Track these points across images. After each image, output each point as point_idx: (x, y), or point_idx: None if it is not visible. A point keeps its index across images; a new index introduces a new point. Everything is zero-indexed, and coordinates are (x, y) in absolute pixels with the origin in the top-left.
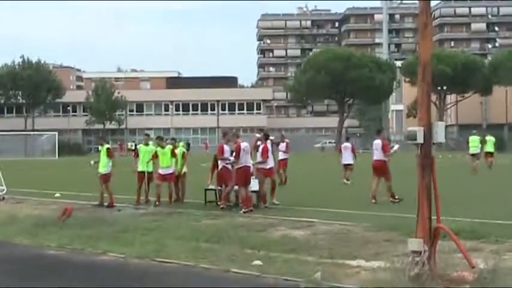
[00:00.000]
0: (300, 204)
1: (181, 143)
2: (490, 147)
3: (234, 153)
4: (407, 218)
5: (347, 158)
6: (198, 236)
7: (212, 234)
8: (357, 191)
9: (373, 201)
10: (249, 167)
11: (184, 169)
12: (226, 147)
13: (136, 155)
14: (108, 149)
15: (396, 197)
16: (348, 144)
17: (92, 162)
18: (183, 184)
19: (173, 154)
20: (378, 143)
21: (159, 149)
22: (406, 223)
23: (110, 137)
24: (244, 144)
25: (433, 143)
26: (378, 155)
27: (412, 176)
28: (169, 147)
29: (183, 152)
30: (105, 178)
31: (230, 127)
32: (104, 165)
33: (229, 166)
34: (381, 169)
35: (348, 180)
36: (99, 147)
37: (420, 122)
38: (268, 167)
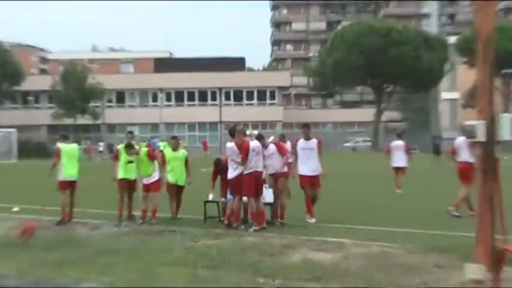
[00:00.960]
0: (325, 220)
1: (162, 143)
2: None
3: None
4: (465, 237)
5: (399, 159)
6: (196, 261)
7: (214, 259)
8: (399, 201)
9: (472, 212)
10: (261, 172)
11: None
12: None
13: (116, 158)
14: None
15: (472, 211)
16: (399, 143)
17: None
18: (178, 196)
19: (150, 156)
20: (461, 141)
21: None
22: (462, 243)
23: (82, 134)
24: (254, 144)
25: (498, 141)
26: (464, 155)
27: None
28: (143, 148)
29: (186, 157)
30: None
31: (236, 122)
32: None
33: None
34: (468, 173)
35: (399, 188)
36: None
37: (480, 115)
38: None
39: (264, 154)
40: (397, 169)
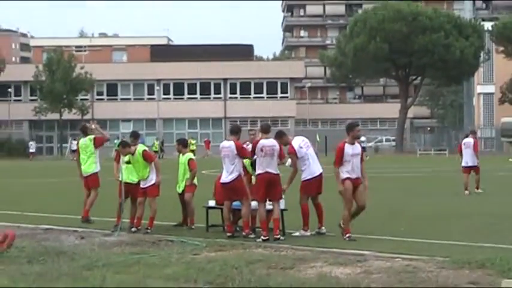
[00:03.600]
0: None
1: (156, 142)
2: None
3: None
4: (502, 249)
5: (470, 158)
6: (197, 276)
7: (217, 273)
8: (428, 207)
9: None
10: (274, 174)
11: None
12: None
13: (119, 159)
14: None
15: None
16: (470, 140)
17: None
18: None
19: (146, 157)
20: None
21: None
22: (500, 257)
23: (70, 131)
24: (265, 142)
25: None
26: None
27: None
28: (138, 148)
29: (189, 159)
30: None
31: (242, 118)
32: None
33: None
34: None
35: (478, 188)
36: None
37: None
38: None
39: (281, 154)
40: (470, 168)
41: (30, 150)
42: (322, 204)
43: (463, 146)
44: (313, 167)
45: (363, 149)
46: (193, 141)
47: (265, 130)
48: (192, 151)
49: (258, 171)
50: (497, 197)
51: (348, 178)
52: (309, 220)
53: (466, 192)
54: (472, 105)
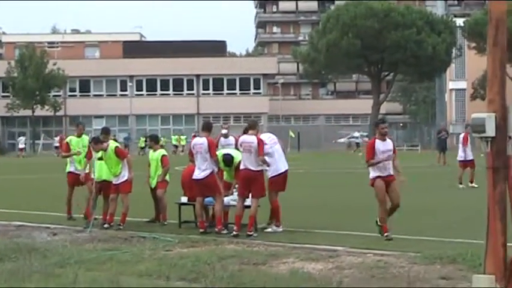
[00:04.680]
0: (317, 226)
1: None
2: None
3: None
4: (473, 245)
5: (470, 152)
6: (170, 272)
7: (189, 269)
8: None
9: None
10: (250, 170)
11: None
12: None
13: (90, 155)
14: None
15: None
16: (462, 135)
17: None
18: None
19: (119, 154)
20: None
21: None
22: (471, 252)
23: (42, 128)
24: (245, 138)
25: (509, 137)
26: None
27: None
28: (111, 145)
29: (162, 156)
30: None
31: (215, 114)
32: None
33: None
34: None
35: (472, 182)
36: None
37: (491, 106)
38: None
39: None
40: (468, 162)
41: (20, 146)
42: (279, 203)
43: (462, 139)
44: (278, 164)
45: (357, 144)
46: (182, 137)
47: (251, 126)
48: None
49: (240, 167)
50: (470, 192)
51: (378, 176)
52: (280, 215)
53: (461, 186)
54: (444, 101)
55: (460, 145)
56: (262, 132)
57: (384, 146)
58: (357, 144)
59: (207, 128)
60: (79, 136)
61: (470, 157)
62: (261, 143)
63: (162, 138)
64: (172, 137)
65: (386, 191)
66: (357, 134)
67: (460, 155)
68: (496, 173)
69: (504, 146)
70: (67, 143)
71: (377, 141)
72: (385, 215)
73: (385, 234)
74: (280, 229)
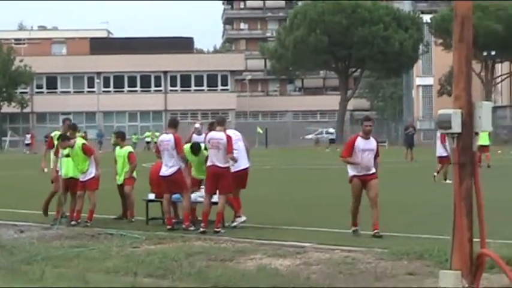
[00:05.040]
0: (284, 222)
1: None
2: None
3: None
4: (440, 240)
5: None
6: (137, 269)
7: (157, 266)
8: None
9: None
10: (218, 167)
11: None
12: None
13: (57, 152)
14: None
15: None
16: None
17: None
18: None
19: (86, 151)
20: None
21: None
22: (438, 248)
23: (9, 125)
24: (213, 135)
25: (476, 133)
26: None
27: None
28: (78, 142)
29: (129, 152)
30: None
31: (183, 111)
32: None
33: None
34: None
35: (446, 179)
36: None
37: (457, 102)
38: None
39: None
40: (445, 158)
41: (27, 142)
42: (240, 200)
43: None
44: (240, 161)
45: (331, 140)
46: (157, 134)
47: (219, 123)
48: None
49: (207, 164)
50: (438, 187)
51: (354, 176)
52: (240, 207)
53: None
54: (411, 97)
55: (438, 142)
56: (229, 128)
57: (365, 145)
58: (332, 140)
59: (173, 124)
60: (62, 136)
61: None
62: (230, 139)
63: (134, 136)
64: (147, 133)
65: (364, 188)
66: (331, 130)
67: (439, 151)
68: (462, 168)
69: (470, 142)
70: (51, 139)
71: (359, 138)
72: (355, 211)
73: (353, 228)
74: (243, 218)
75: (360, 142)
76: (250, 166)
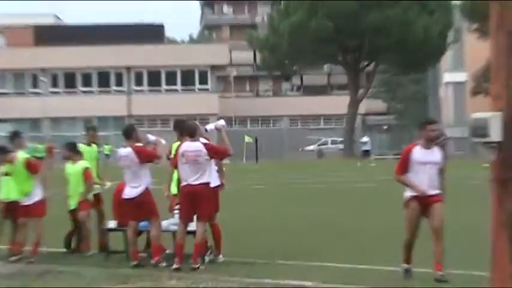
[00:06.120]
0: (280, 256)
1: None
2: None
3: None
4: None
5: None
6: None
7: None
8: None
9: None
10: (197, 186)
11: (90, 196)
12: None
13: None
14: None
15: None
16: None
17: None
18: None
19: (30, 168)
20: None
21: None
22: (470, 282)
23: None
24: (188, 146)
25: None
26: None
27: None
28: (20, 157)
29: (84, 169)
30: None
31: (150, 116)
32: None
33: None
34: None
35: None
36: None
37: (495, 104)
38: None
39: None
40: None
41: None
42: (219, 227)
43: None
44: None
45: (367, 152)
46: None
47: (191, 132)
48: None
49: (182, 183)
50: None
51: (413, 197)
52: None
53: None
54: (438, 97)
55: None
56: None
57: (425, 156)
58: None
59: (129, 134)
60: (89, 144)
61: None
62: (212, 144)
63: (105, 146)
64: (105, 146)
65: (424, 215)
66: (365, 139)
67: None
68: (503, 186)
69: None
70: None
71: (416, 148)
72: (408, 244)
73: (404, 265)
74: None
75: (418, 153)
76: (225, 185)
